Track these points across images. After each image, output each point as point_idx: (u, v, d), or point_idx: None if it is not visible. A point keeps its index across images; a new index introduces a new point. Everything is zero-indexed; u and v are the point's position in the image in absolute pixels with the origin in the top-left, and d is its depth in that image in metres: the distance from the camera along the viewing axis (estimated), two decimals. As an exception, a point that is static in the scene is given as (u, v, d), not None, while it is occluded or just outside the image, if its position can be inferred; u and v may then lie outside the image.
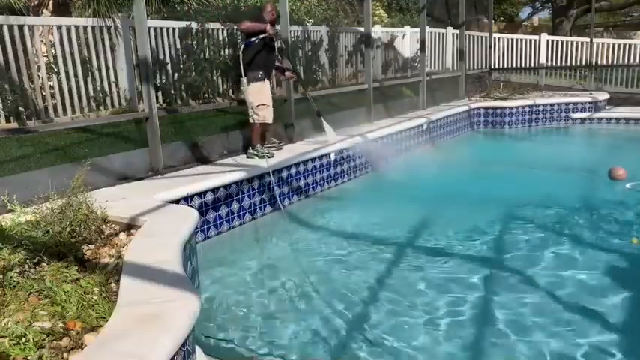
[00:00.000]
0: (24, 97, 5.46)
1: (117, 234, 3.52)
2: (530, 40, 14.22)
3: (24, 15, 6.13)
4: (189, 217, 3.76)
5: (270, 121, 6.07)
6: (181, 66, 6.97)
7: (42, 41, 5.77)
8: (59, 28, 5.81)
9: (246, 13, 6.95)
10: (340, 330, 3.42)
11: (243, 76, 5.91)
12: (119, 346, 2.09)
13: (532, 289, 3.87)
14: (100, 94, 6.23)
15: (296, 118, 7.08)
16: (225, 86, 7.58)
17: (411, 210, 5.75)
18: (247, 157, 5.99)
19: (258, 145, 5.96)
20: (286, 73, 6.67)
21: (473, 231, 5.08)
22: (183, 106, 6.84)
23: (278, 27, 6.48)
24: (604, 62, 13.33)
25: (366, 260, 4.54)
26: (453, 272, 4.22)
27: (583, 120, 10.90)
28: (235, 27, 7.19)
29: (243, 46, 5.92)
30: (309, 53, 9.20)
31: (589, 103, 11.00)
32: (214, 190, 4.97)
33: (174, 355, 2.15)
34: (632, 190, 6.23)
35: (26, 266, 2.84)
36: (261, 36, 5.80)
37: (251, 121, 6.04)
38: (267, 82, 6.05)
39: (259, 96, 5.93)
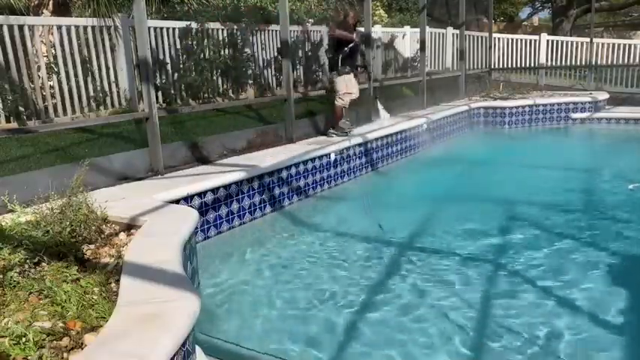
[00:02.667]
0: (24, 97, 5.46)
1: (117, 234, 3.52)
2: (530, 40, 14.21)
3: (24, 15, 6.13)
4: (189, 217, 3.76)
5: (347, 106, 7.42)
6: (181, 66, 6.97)
7: (42, 41, 5.77)
8: (59, 28, 5.81)
9: (338, 21, 7.84)
10: (341, 330, 3.42)
11: (336, 69, 7.32)
12: (119, 346, 2.09)
13: (527, 287, 3.87)
14: (100, 94, 6.23)
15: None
16: (225, 86, 7.59)
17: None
18: (328, 137, 7.25)
19: (339, 124, 7.31)
20: (359, 69, 7.89)
21: (480, 227, 5.09)
22: (183, 106, 6.84)
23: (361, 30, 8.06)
24: (604, 62, 13.32)
25: (368, 257, 4.55)
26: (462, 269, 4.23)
27: (583, 120, 10.90)
28: (328, 32, 8.61)
29: (328, 47, 7.77)
30: (309, 53, 9.21)
31: (589, 103, 11.00)
32: (214, 190, 4.98)
33: (174, 355, 2.15)
34: (634, 191, 6.19)
35: (26, 266, 2.84)
36: (351, 44, 7.23)
37: (337, 104, 7.34)
38: (352, 75, 7.37)
39: (346, 85, 7.29)
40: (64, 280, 2.73)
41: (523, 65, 14.18)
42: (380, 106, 8.63)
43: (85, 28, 6.05)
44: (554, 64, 14.00)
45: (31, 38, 5.50)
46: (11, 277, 2.70)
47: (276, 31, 8.19)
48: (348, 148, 6.98)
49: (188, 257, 3.43)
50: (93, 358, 2.05)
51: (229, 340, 3.30)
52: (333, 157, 6.64)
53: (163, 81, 6.79)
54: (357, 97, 7.60)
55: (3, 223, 3.31)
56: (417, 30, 11.20)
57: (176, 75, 6.96)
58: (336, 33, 7.33)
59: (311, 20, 9.94)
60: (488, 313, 3.58)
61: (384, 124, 8.08)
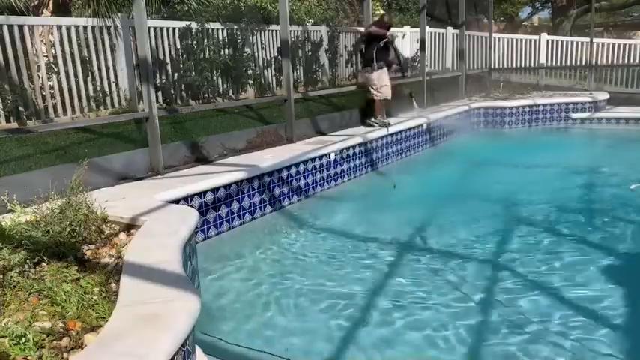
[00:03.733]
0: (24, 97, 5.45)
1: (117, 234, 3.52)
2: (530, 40, 14.21)
3: (24, 15, 6.13)
4: (190, 217, 3.76)
5: (390, 98, 8.11)
6: (181, 66, 6.97)
7: (42, 41, 5.77)
8: (59, 28, 5.80)
9: (379, 22, 8.47)
10: (341, 330, 3.42)
11: (370, 65, 7.99)
12: (119, 346, 2.09)
13: (527, 287, 3.88)
14: (100, 94, 6.22)
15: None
16: (225, 86, 7.58)
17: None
18: (367, 126, 7.97)
19: (380, 116, 8.01)
20: (393, 66, 8.54)
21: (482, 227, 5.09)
22: (183, 106, 6.84)
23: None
24: (604, 62, 13.32)
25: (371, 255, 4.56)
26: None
27: (583, 120, 10.90)
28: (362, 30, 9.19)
29: (364, 44, 8.23)
30: (309, 53, 9.20)
31: (589, 103, 10.99)
32: (214, 190, 4.98)
33: (174, 355, 2.15)
34: (636, 192, 6.18)
35: (26, 266, 2.84)
36: (385, 40, 7.95)
37: (375, 97, 8.01)
38: (385, 69, 8.03)
39: (381, 79, 7.99)
40: (64, 280, 2.73)
41: (523, 65, 14.17)
42: (414, 101, 9.54)
43: (85, 28, 6.05)
44: (554, 64, 14.00)
45: (31, 38, 5.49)
46: (11, 277, 2.70)
47: (276, 31, 8.19)
48: (353, 147, 7.01)
49: (188, 257, 3.43)
50: (93, 358, 2.05)
51: (229, 340, 3.30)
52: (332, 157, 6.64)
53: (163, 81, 6.79)
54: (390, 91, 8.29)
55: (3, 223, 3.31)
56: (417, 30, 11.20)
57: (176, 75, 6.96)
58: (372, 30, 8.07)
59: (311, 20, 9.94)
60: (488, 314, 3.58)
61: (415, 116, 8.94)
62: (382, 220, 5.60)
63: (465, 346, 3.21)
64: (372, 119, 8.06)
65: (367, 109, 8.27)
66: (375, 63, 7.93)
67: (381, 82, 8.01)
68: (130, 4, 6.41)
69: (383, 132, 7.74)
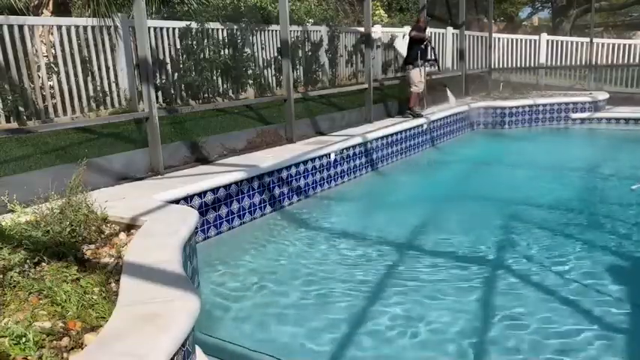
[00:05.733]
0: (24, 97, 5.45)
1: (117, 234, 3.52)
2: (530, 40, 14.21)
3: (24, 15, 6.13)
4: (190, 217, 3.76)
5: (421, 91, 9.30)
6: (181, 66, 6.97)
7: (42, 41, 5.77)
8: (59, 28, 5.80)
9: (417, 26, 9.46)
10: (341, 331, 3.42)
11: (412, 64, 9.13)
12: (119, 346, 2.09)
13: (526, 287, 3.88)
14: (100, 94, 6.22)
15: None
16: (225, 86, 7.58)
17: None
18: (404, 117, 9.10)
19: (416, 107, 9.17)
20: (430, 62, 9.60)
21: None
22: (183, 106, 6.84)
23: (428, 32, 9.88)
24: (604, 62, 13.32)
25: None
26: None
27: (583, 120, 10.90)
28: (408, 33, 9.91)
29: (409, 45, 9.31)
30: (309, 53, 9.20)
31: (589, 103, 10.99)
32: (214, 190, 4.97)
33: (174, 355, 2.15)
34: (636, 192, 6.18)
35: (26, 266, 2.84)
36: (425, 42, 9.19)
37: (412, 90, 9.16)
38: (422, 68, 9.23)
39: (418, 75, 9.14)
40: (64, 280, 2.73)
41: (523, 65, 14.17)
42: (449, 93, 10.61)
43: (85, 28, 6.05)
44: (554, 64, 14.00)
45: (31, 38, 5.50)
46: (11, 277, 2.70)
47: (276, 31, 8.19)
48: (353, 147, 7.02)
49: (188, 257, 3.43)
50: (93, 358, 2.05)
51: (229, 340, 3.30)
52: (332, 157, 6.64)
53: (163, 81, 6.79)
54: (424, 85, 9.45)
55: (3, 223, 3.31)
56: (417, 30, 11.17)
57: (176, 75, 6.96)
58: (412, 34, 9.15)
59: (311, 20, 9.94)
60: (488, 313, 3.58)
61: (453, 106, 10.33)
62: (382, 220, 5.60)
63: (466, 345, 3.21)
64: (408, 110, 9.17)
65: (405, 101, 9.46)
66: (418, 61, 9.11)
67: (418, 78, 9.18)
68: (130, 4, 6.41)
69: (421, 120, 8.87)
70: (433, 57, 9.86)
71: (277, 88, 8.41)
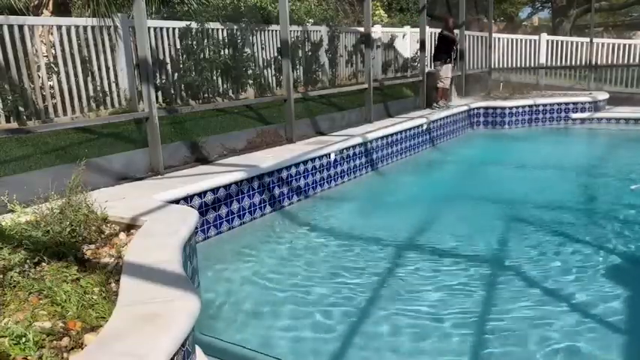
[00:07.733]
0: (24, 97, 5.45)
1: (117, 234, 3.52)
2: (530, 40, 14.22)
3: (24, 15, 6.13)
4: (189, 217, 3.76)
5: (447, 87, 10.37)
6: (181, 66, 6.97)
7: (42, 41, 5.76)
8: (59, 28, 5.80)
9: (447, 27, 10.29)
10: (342, 330, 3.42)
11: (441, 61, 10.10)
12: (119, 346, 2.09)
13: (527, 286, 3.88)
14: (100, 94, 6.22)
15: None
16: (225, 86, 7.58)
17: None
18: (432, 109, 10.03)
19: (441, 101, 10.18)
20: (454, 59, 10.48)
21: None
22: (183, 106, 6.84)
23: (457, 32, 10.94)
24: (604, 62, 13.32)
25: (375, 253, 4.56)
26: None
27: (583, 120, 10.90)
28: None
29: (438, 45, 10.36)
30: (309, 53, 9.21)
31: (589, 103, 10.99)
32: (214, 190, 4.97)
33: (174, 355, 2.15)
34: (636, 192, 6.17)
35: (26, 266, 2.84)
36: (457, 44, 10.36)
37: (439, 85, 10.17)
38: (451, 64, 10.17)
39: (446, 72, 10.15)
40: (64, 280, 2.73)
41: (523, 65, 14.18)
42: (454, 91, 11.57)
43: (85, 28, 6.05)
44: (554, 64, 14.01)
45: (31, 38, 5.50)
46: (11, 277, 2.70)
47: (276, 31, 8.19)
48: (353, 147, 7.02)
49: (188, 257, 3.43)
50: (93, 358, 2.05)
51: (229, 340, 3.30)
52: (332, 157, 6.64)
53: (163, 81, 6.79)
54: (452, 80, 10.55)
55: (3, 223, 3.31)
56: (417, 30, 11.20)
57: (176, 75, 6.96)
58: (444, 33, 10.07)
59: (311, 20, 9.94)
60: (487, 313, 3.58)
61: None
62: (382, 220, 5.60)
63: (466, 346, 3.21)
64: (434, 104, 10.09)
65: (433, 95, 10.30)
66: (443, 59, 10.05)
67: (446, 74, 10.10)
68: (129, 4, 6.41)
69: (446, 113, 9.62)
70: (459, 56, 10.91)
71: (277, 88, 8.42)
